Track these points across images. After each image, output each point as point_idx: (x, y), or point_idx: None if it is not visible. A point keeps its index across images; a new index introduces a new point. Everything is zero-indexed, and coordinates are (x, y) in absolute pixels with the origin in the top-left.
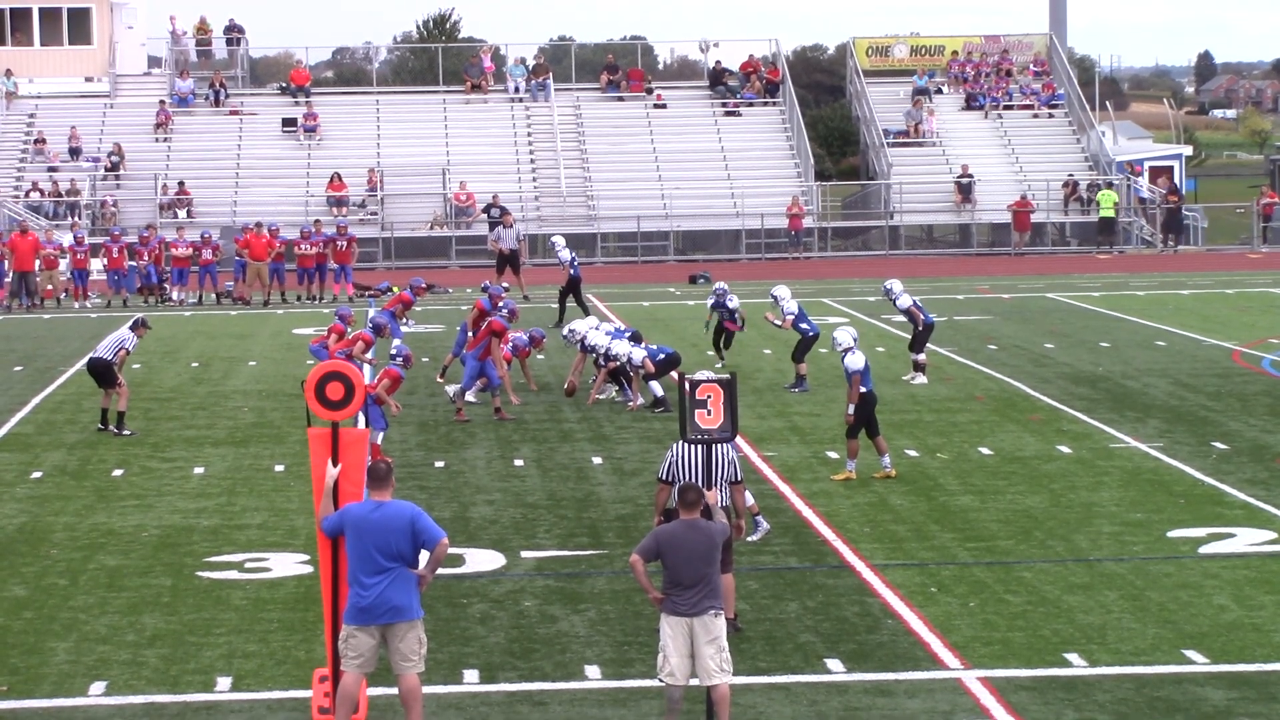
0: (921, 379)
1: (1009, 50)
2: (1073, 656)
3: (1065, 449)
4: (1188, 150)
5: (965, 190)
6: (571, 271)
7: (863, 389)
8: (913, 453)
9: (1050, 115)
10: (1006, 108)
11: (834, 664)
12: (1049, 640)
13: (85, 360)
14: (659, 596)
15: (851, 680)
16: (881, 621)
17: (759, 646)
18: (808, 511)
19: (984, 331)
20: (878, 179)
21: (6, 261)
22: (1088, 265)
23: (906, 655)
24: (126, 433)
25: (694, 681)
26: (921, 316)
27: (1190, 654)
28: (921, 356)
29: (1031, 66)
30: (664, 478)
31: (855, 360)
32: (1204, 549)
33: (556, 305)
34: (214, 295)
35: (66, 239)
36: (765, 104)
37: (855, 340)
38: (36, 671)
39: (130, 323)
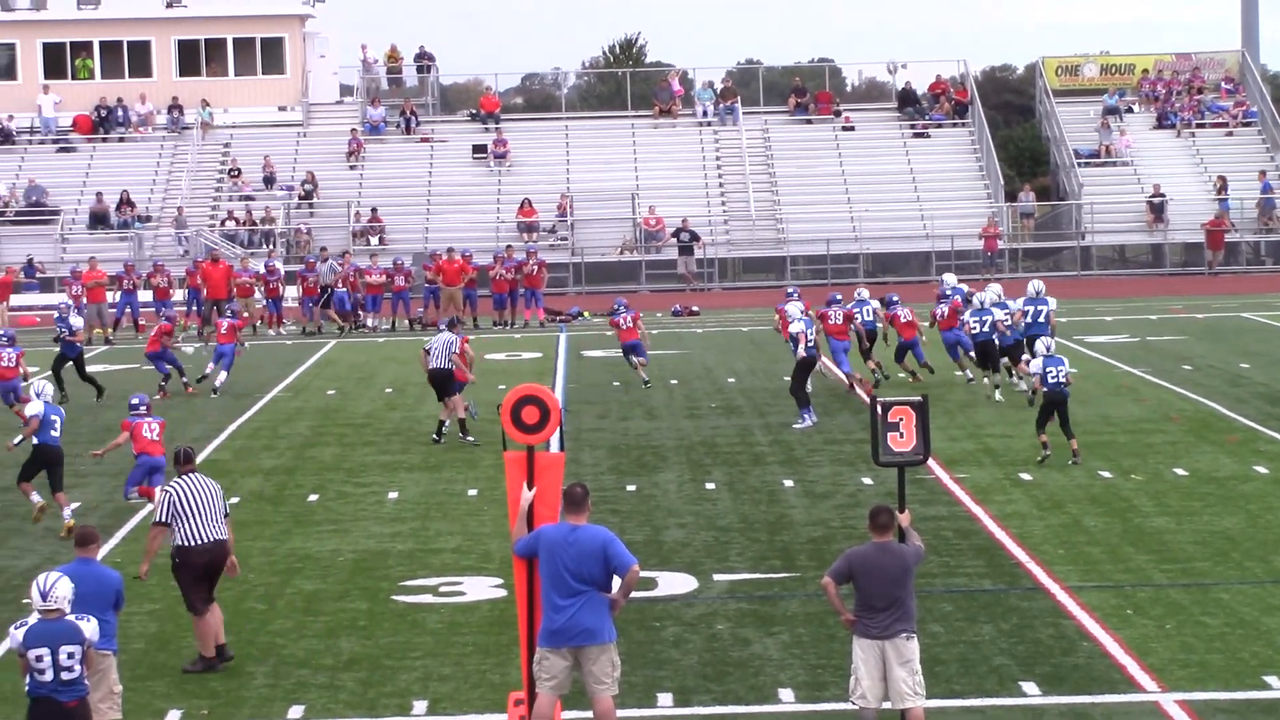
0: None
1: (1200, 68)
2: (1272, 679)
3: (1262, 469)
4: None
5: (1157, 210)
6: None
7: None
8: (1106, 474)
9: (1243, 133)
10: (1199, 126)
11: (1029, 687)
12: (1248, 663)
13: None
14: (851, 619)
15: (1047, 703)
16: (1077, 644)
17: (953, 669)
18: (1000, 534)
19: (1178, 352)
20: (1068, 199)
21: (201, 291)
22: None
23: (1103, 678)
24: (470, 440)
25: (887, 705)
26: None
27: None
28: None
29: (1223, 84)
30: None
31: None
32: None
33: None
34: (406, 321)
35: (260, 267)
36: (954, 125)
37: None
38: (236, 695)
39: (446, 323)
